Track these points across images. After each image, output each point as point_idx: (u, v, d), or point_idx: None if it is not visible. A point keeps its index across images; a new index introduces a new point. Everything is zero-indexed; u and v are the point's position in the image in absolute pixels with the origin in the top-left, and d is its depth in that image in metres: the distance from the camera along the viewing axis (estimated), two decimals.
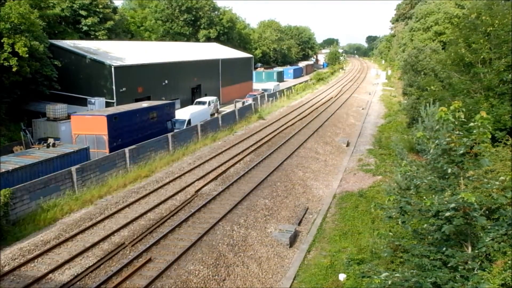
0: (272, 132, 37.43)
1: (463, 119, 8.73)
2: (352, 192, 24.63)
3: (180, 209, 20.46)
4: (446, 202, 8.27)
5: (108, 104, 37.74)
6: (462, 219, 8.06)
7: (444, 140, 8.82)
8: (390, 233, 10.18)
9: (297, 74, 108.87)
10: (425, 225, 9.27)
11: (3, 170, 20.05)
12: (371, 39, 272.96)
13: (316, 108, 51.72)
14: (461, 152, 8.55)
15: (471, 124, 8.47)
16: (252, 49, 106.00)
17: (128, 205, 21.01)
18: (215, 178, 24.93)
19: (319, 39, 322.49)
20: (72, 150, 24.66)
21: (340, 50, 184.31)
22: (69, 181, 22.11)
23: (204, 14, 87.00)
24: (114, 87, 38.82)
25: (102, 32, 55.34)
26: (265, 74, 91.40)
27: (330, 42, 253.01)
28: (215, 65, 59.66)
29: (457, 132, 8.75)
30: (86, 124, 28.03)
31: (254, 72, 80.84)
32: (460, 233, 8.62)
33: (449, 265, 8.39)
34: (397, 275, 8.11)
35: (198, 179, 24.67)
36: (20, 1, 30.83)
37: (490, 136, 8.44)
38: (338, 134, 39.11)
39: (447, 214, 8.14)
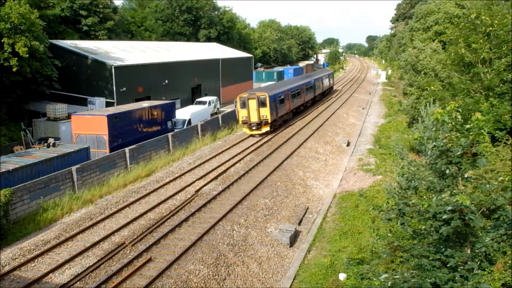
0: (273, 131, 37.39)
1: (460, 120, 8.66)
2: (352, 191, 24.63)
3: (180, 209, 20.47)
4: (443, 204, 8.24)
5: (108, 104, 37.76)
6: (460, 221, 8.03)
7: (441, 142, 8.76)
8: (389, 234, 10.15)
9: (297, 74, 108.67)
10: (424, 226, 9.25)
11: (4, 170, 20.07)
12: (371, 39, 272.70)
13: (317, 107, 51.69)
14: (459, 153, 8.48)
15: (467, 126, 8.41)
16: (252, 49, 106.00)
17: (128, 205, 21.03)
18: (215, 177, 24.94)
19: (319, 39, 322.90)
20: (72, 150, 24.68)
21: (341, 50, 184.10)
22: (70, 181, 22.13)
23: (204, 14, 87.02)
24: (114, 87, 38.84)
25: (102, 32, 55.40)
26: (265, 74, 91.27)
27: (330, 42, 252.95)
28: (215, 65, 59.62)
29: (454, 133, 8.68)
30: (86, 124, 28.05)
31: (254, 72, 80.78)
32: (459, 233, 8.61)
33: (448, 265, 8.37)
34: (397, 276, 8.09)
35: (198, 179, 24.68)
36: (20, 1, 30.84)
37: (486, 138, 8.38)
38: (338, 134, 39.09)
39: (445, 216, 8.10)
